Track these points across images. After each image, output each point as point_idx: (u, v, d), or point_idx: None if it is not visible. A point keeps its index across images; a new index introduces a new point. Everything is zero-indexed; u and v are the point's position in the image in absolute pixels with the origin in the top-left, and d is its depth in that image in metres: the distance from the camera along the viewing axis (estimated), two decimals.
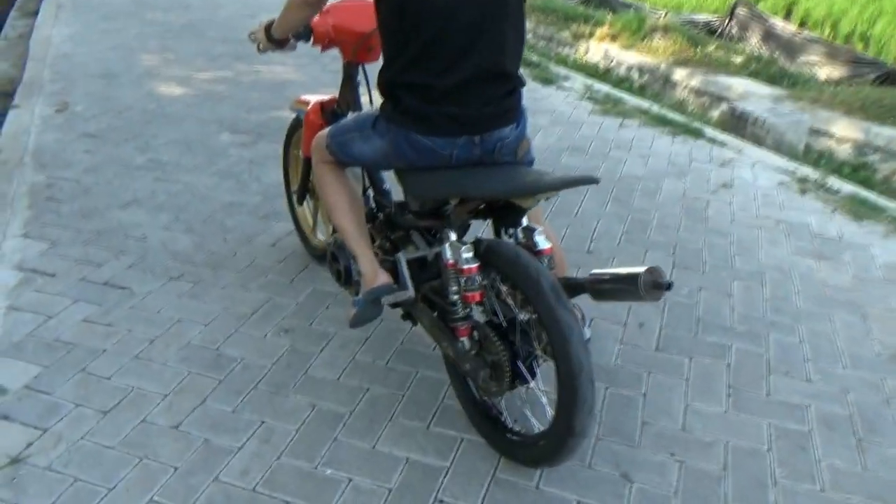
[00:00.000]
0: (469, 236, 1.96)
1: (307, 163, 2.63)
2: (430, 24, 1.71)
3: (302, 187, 2.77)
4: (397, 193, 2.20)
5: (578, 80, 5.70)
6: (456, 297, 1.84)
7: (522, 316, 1.82)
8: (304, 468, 1.94)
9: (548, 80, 5.59)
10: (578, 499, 1.85)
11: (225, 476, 1.90)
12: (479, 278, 1.78)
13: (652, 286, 1.65)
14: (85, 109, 4.83)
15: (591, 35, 8.07)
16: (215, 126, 4.58)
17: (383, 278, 2.05)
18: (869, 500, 1.87)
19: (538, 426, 1.94)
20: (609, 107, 5.01)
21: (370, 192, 2.42)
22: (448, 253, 1.83)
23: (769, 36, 7.63)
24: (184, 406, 2.15)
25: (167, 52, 6.38)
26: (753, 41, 7.84)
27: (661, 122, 4.73)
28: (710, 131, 4.60)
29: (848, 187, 3.83)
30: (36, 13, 8.27)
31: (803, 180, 3.86)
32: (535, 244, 1.83)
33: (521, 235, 1.87)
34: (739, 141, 4.50)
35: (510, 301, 1.85)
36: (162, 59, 6.12)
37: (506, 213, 1.90)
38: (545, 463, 1.84)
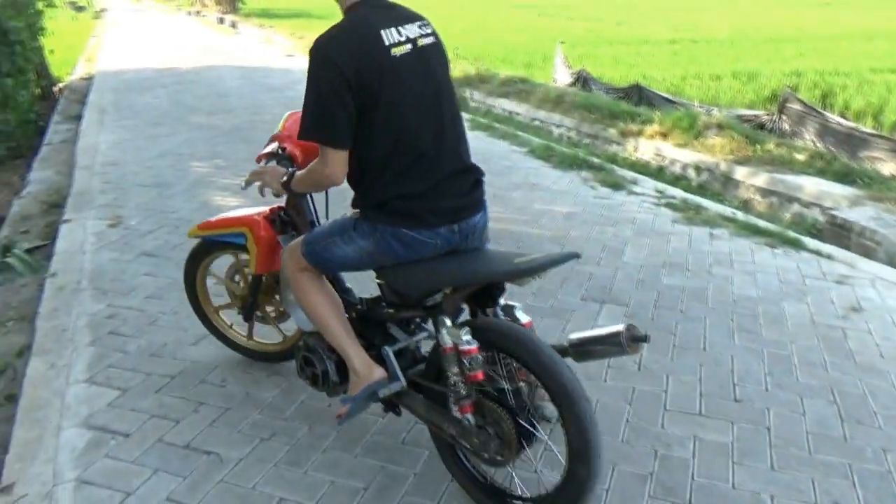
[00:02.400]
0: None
1: (256, 280, 2.62)
2: (418, 144, 1.90)
3: (252, 304, 2.69)
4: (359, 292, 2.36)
5: (648, 184, 5.45)
6: (457, 378, 1.93)
7: (512, 383, 1.93)
8: None
9: (616, 185, 5.34)
10: None
11: None
12: (481, 357, 1.89)
13: (632, 340, 1.84)
14: (140, 223, 4.59)
15: (639, 133, 7.93)
16: None
17: (379, 372, 2.11)
18: None
19: (544, 487, 2.00)
20: (691, 214, 4.72)
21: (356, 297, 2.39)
22: (447, 338, 1.92)
23: (825, 131, 7.45)
24: None
25: (217, 158, 6.24)
26: (808, 136, 7.66)
27: (753, 231, 4.42)
28: (810, 242, 4.27)
29: None
30: (79, 118, 8.27)
31: None
32: (517, 319, 1.99)
33: (501, 313, 2.01)
34: (846, 253, 4.16)
35: (501, 370, 1.94)
36: (213, 165, 5.96)
37: (483, 294, 2.03)
38: None
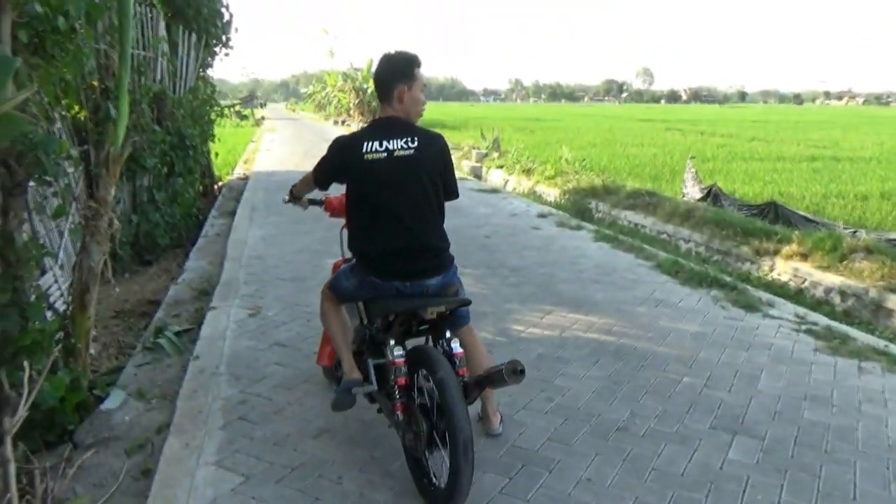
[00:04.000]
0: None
1: None
2: (381, 221, 2.76)
3: None
4: None
5: (786, 308, 5.13)
6: (393, 382, 2.67)
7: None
8: None
9: (751, 307, 5.07)
10: None
11: None
12: (404, 369, 2.66)
13: (512, 373, 2.42)
14: (276, 315, 4.90)
15: (776, 252, 7.57)
16: None
17: (356, 374, 2.96)
18: None
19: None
20: (836, 344, 4.36)
21: (365, 323, 3.08)
22: (387, 353, 2.72)
23: None
24: None
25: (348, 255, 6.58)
26: None
27: None
28: None
29: None
30: (233, 214, 9.12)
31: None
32: (451, 349, 2.71)
33: (445, 344, 2.75)
34: None
35: (431, 392, 2.56)
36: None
37: (437, 331, 2.84)
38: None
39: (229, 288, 5.54)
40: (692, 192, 11.57)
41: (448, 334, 2.77)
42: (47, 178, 3.38)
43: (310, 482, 2.80)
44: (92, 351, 4.96)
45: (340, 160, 2.83)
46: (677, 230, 9.40)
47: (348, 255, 3.09)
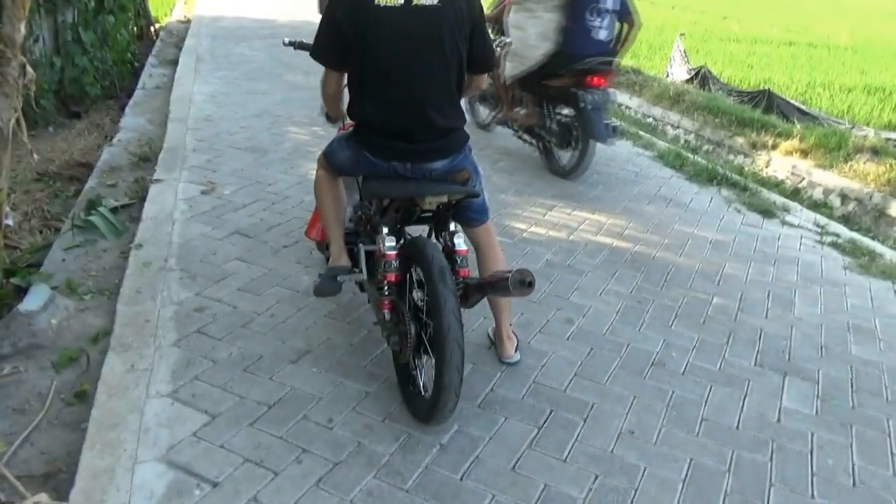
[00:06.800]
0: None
1: None
2: (381, 87, 2.26)
3: None
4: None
5: (804, 216, 4.69)
6: (381, 277, 2.31)
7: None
8: None
9: (767, 212, 4.60)
10: None
11: None
12: (395, 263, 2.29)
13: (519, 283, 1.98)
14: (234, 193, 4.15)
15: (773, 146, 7.09)
16: None
17: (343, 261, 2.54)
18: None
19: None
20: (865, 262, 3.96)
21: (364, 202, 2.72)
22: (379, 243, 2.32)
23: None
24: None
25: (316, 125, 5.74)
26: None
27: None
28: None
29: None
30: (174, 63, 7.93)
31: None
32: (452, 245, 2.33)
33: (447, 238, 2.36)
34: None
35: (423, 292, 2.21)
36: (311, 133, 5.48)
37: (438, 221, 2.43)
38: (429, 417, 2.18)
39: (175, 156, 4.69)
40: (678, 72, 10.84)
41: (452, 227, 2.38)
42: None
43: (293, 426, 2.25)
44: (10, 222, 4.13)
45: (348, 13, 2.19)
46: (665, 114, 8.79)
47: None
